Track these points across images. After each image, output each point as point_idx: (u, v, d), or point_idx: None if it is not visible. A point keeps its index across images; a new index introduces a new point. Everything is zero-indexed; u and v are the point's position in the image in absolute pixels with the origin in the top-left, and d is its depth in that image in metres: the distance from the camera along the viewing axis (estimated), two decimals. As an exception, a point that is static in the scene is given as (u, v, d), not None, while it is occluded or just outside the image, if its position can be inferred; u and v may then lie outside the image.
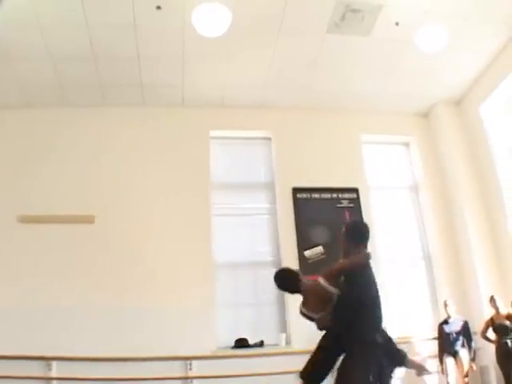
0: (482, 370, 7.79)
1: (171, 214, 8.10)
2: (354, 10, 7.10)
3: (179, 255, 7.84)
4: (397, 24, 7.34)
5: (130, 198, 8.11)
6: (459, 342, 7.45)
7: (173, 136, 8.66)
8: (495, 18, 7.44)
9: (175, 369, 7.07)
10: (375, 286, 4.67)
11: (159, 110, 8.71)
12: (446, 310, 7.76)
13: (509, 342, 7.16)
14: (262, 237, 8.61)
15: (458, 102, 9.33)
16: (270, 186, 8.89)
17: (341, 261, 4.86)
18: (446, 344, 7.50)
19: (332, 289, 4.60)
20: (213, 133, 8.89)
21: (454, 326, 7.58)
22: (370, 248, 8.00)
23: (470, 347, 7.44)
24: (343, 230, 5.06)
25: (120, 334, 7.14)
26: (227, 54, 7.72)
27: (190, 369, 7.07)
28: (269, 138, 9.16)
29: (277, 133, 9.07)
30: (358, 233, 5.02)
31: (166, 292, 7.54)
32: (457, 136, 9.14)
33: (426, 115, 9.64)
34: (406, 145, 9.72)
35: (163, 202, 8.16)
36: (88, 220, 7.82)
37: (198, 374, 7.06)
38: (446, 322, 7.70)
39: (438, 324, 7.82)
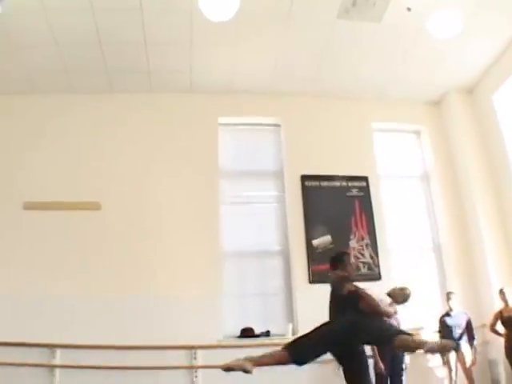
0: (491, 364, 7.72)
1: (178, 202, 8.04)
2: (366, -5, 6.98)
3: (186, 243, 7.79)
4: (409, 9, 7.19)
5: (137, 185, 8.06)
6: (462, 337, 7.30)
7: (181, 123, 8.59)
8: (510, 5, 7.26)
9: (180, 358, 7.01)
10: None
11: (167, 96, 8.62)
12: (448, 302, 7.60)
13: None
14: (269, 225, 8.51)
15: (471, 91, 9.17)
16: (279, 174, 8.79)
17: None
18: (448, 337, 7.28)
19: None
20: (221, 119, 8.80)
21: (457, 320, 7.40)
22: (379, 237, 8.07)
23: (471, 345, 7.28)
24: None
25: (125, 322, 7.12)
26: (236, 38, 7.61)
27: (195, 358, 7.01)
28: (278, 125, 9.05)
29: (286, 119, 8.97)
30: None
31: (173, 280, 7.50)
32: (469, 125, 8.99)
33: (437, 103, 9.49)
34: (417, 133, 9.58)
35: (170, 189, 8.10)
36: (94, 207, 7.77)
37: (202, 364, 7.00)
38: (447, 314, 7.53)
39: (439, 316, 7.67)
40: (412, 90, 9.08)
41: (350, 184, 8.67)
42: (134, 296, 7.27)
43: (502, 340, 7.35)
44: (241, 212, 8.51)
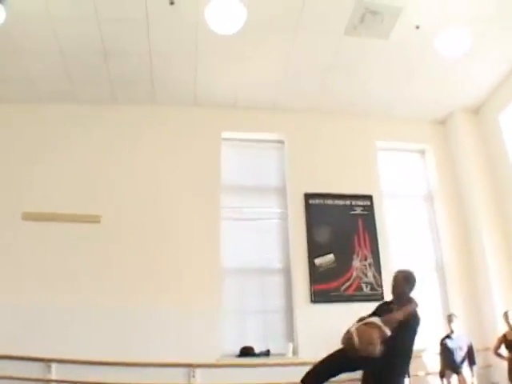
0: (494, 387, 7.62)
1: (179, 216, 7.93)
2: (374, 12, 6.90)
3: (186, 258, 7.68)
4: (417, 27, 7.13)
5: (138, 198, 7.95)
6: (464, 361, 7.17)
7: (184, 136, 8.50)
8: (518, 25, 7.25)
9: (178, 376, 6.86)
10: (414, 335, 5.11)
11: (170, 109, 8.56)
12: (449, 324, 7.49)
13: None
14: (271, 243, 8.38)
15: (477, 111, 9.12)
16: (282, 191, 8.68)
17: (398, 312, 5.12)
18: (449, 360, 7.21)
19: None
20: (225, 134, 8.71)
21: (458, 342, 7.29)
22: (383, 257, 7.93)
23: (472, 370, 7.16)
24: (403, 277, 5.47)
25: (122, 338, 6.98)
26: (241, 52, 7.53)
27: (193, 376, 6.86)
28: (282, 141, 8.97)
29: (290, 136, 8.89)
30: (414, 284, 5.46)
31: (171, 296, 7.36)
32: (474, 145, 8.93)
33: (443, 123, 9.44)
34: (422, 152, 9.50)
35: (172, 203, 8.00)
36: (94, 219, 7.66)
37: (201, 383, 6.86)
38: (448, 336, 7.42)
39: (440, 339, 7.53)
40: (418, 108, 9.02)
41: (353, 202, 8.56)
42: (133, 311, 7.14)
43: (505, 363, 7.24)
44: (242, 228, 8.39)
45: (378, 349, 4.70)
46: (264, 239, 8.39)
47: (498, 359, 7.40)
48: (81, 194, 7.82)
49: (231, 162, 8.72)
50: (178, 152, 8.36)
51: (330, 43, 7.47)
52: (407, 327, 4.98)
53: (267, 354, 7.46)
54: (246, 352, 7.38)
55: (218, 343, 7.29)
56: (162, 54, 7.46)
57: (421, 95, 8.69)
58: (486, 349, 7.70)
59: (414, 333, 5.04)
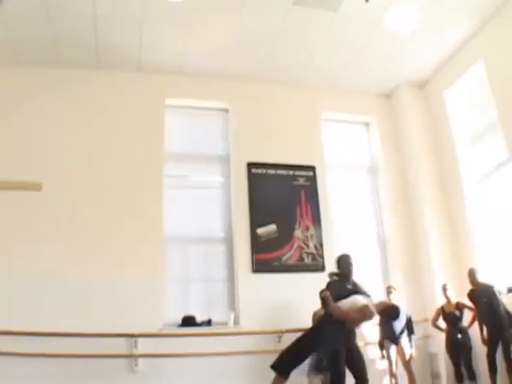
0: (432, 357, 7.85)
1: (122, 184, 7.78)
2: (324, -17, 6.87)
3: (129, 227, 7.55)
4: (366, 1, 7.11)
5: (81, 165, 7.74)
6: (403, 331, 7.32)
7: (127, 102, 8.32)
8: (468, 6, 7.33)
9: (120, 346, 6.77)
10: None
11: (114, 74, 8.33)
12: (388, 296, 7.64)
13: (458, 333, 7.24)
14: (214, 211, 8.34)
15: (422, 86, 9.25)
16: (225, 160, 8.62)
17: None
18: (388, 330, 7.36)
19: None
20: (169, 101, 8.56)
21: None
22: (324, 228, 7.96)
23: (410, 340, 7.32)
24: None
25: (64, 308, 6.80)
26: (188, 18, 7.37)
27: (136, 346, 6.80)
28: (226, 110, 8.88)
29: (235, 104, 8.81)
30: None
31: (114, 265, 7.25)
32: (418, 119, 9.07)
33: (388, 96, 9.54)
34: (367, 125, 9.60)
35: (114, 170, 7.84)
36: (35, 187, 7.39)
37: (143, 352, 6.80)
38: None
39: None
40: (364, 81, 9.09)
41: (296, 173, 8.57)
42: (74, 280, 6.98)
43: (443, 334, 7.49)
44: (185, 196, 8.31)
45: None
46: (207, 208, 8.34)
47: (436, 330, 7.64)
48: (21, 159, 7.53)
49: (175, 130, 8.59)
50: (122, 118, 8.18)
51: (278, 12, 7.38)
52: None
53: (209, 323, 7.45)
54: (188, 321, 7.35)
55: (161, 313, 7.24)
56: (107, 17, 7.22)
57: (367, 68, 8.74)
58: (425, 320, 7.91)
59: None
